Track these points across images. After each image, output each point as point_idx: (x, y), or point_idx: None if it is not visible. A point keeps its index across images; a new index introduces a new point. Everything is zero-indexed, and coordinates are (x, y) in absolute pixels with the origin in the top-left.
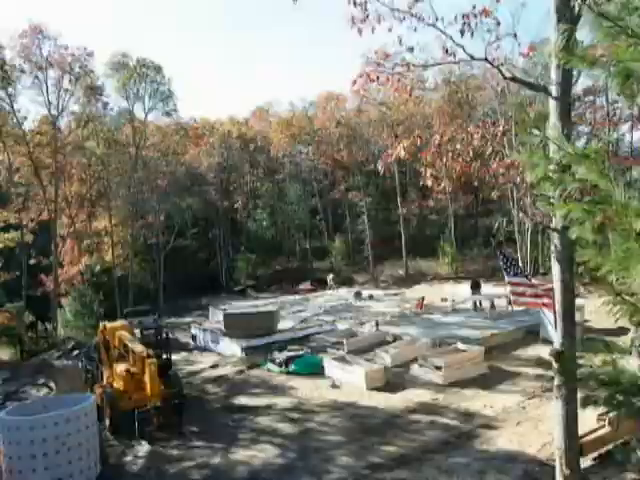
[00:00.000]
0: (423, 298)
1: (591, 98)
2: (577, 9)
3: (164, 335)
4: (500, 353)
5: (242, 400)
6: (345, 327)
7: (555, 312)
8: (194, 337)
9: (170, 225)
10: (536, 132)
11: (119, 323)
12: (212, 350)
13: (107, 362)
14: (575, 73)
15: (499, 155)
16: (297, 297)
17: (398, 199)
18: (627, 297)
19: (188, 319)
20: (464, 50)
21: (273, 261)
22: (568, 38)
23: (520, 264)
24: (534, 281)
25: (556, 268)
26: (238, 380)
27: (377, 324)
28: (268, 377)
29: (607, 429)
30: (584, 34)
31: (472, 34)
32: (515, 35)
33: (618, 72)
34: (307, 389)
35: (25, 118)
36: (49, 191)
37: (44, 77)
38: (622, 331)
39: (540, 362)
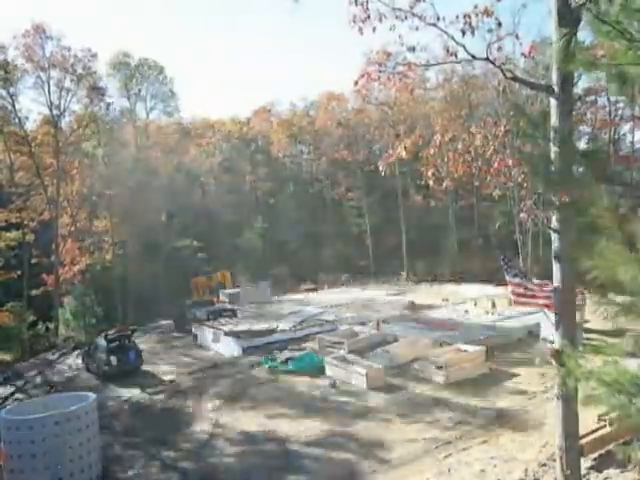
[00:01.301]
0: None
1: (592, 98)
2: (577, 10)
3: None
4: (501, 353)
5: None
6: (346, 327)
7: (555, 312)
8: (195, 337)
9: (171, 224)
10: (537, 133)
11: None
12: (212, 349)
13: None
14: (576, 73)
15: (500, 154)
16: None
17: (399, 199)
18: (615, 297)
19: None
20: (465, 50)
21: (273, 261)
22: (568, 42)
23: (520, 265)
24: (535, 282)
25: (556, 268)
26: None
27: (378, 324)
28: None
29: (607, 429)
30: (585, 34)
31: (473, 32)
32: (517, 35)
33: (615, 75)
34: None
35: (27, 118)
36: (50, 191)
37: (46, 77)
38: (622, 332)
39: (541, 362)
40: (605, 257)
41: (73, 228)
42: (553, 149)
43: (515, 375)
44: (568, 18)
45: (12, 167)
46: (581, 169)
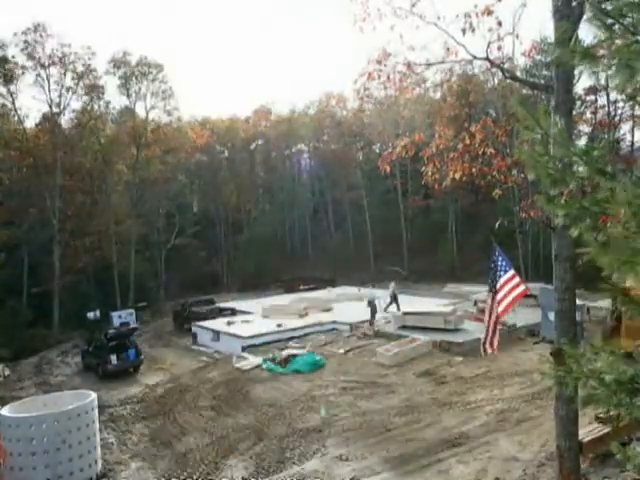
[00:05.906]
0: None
1: (592, 97)
2: (578, 8)
3: None
4: (501, 352)
5: None
6: (346, 326)
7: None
8: (195, 336)
9: (171, 223)
10: (537, 129)
11: None
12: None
13: None
14: (576, 72)
15: (501, 153)
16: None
17: (399, 198)
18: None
19: None
20: (465, 49)
21: (274, 260)
22: (568, 37)
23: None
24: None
25: (556, 268)
26: None
27: (371, 323)
28: None
29: (607, 429)
30: (585, 32)
31: (473, 31)
32: (517, 35)
33: (620, 70)
34: None
35: (27, 116)
36: (50, 188)
37: (46, 74)
38: None
39: (541, 361)
40: (621, 254)
41: (73, 226)
42: (553, 147)
43: (515, 375)
44: (568, 15)
45: (12, 165)
46: (581, 167)
